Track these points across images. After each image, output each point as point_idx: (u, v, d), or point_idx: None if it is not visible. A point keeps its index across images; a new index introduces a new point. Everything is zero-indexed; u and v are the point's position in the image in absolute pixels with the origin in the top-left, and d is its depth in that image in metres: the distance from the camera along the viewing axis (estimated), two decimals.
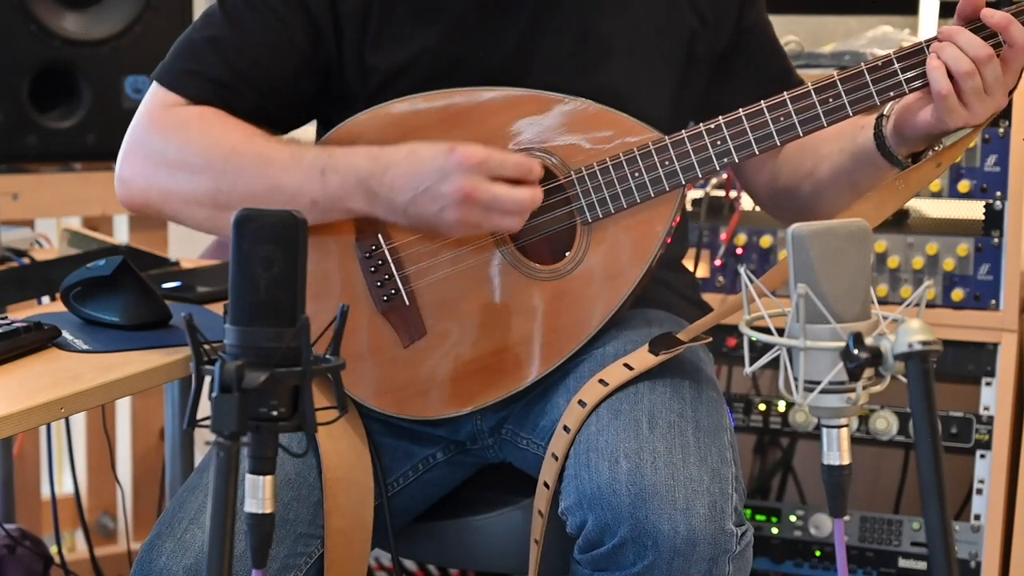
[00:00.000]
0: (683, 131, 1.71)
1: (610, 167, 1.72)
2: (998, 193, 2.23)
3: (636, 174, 1.71)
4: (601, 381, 1.68)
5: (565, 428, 1.67)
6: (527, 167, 1.67)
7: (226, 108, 1.76)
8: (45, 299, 2.06)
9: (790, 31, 2.55)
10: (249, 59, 1.76)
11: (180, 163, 1.74)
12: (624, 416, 1.63)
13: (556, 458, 1.66)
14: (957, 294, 2.25)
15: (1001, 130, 2.21)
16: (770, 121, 1.69)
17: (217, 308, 1.96)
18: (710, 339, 1.74)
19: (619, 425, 1.62)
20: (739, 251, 2.38)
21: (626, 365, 1.69)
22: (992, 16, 1.63)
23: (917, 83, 1.66)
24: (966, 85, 1.61)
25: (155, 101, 1.78)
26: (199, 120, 1.74)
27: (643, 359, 1.69)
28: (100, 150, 2.75)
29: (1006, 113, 2.21)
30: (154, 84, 1.79)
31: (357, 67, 1.78)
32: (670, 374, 1.71)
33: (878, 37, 2.46)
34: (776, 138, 1.69)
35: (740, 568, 1.60)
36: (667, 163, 1.71)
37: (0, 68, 2.64)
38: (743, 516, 1.62)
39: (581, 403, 1.67)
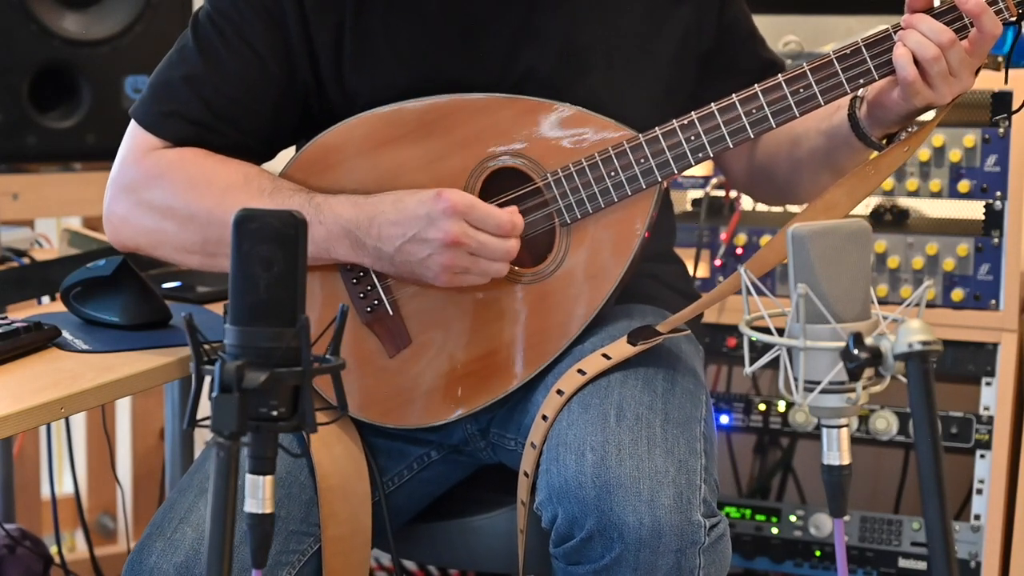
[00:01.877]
0: (657, 128, 1.71)
1: (586, 168, 1.72)
2: (998, 193, 2.23)
3: (612, 173, 1.71)
4: (579, 371, 1.68)
5: (543, 417, 1.67)
6: (511, 224, 1.68)
7: (206, 147, 1.76)
8: (45, 299, 2.06)
9: (790, 31, 2.54)
10: (226, 96, 1.75)
11: (166, 213, 1.74)
12: (593, 410, 1.64)
13: (534, 447, 1.67)
14: (957, 294, 2.25)
15: (1001, 130, 2.21)
16: (743, 114, 1.70)
17: (217, 308, 1.96)
18: (687, 331, 1.74)
19: (588, 419, 1.63)
20: (739, 251, 2.38)
21: (604, 355, 1.69)
22: (966, 3, 1.64)
23: (885, 69, 1.68)
24: (932, 70, 1.64)
25: (136, 144, 1.78)
26: (181, 167, 1.74)
27: (621, 349, 1.70)
28: (100, 150, 2.75)
29: (1006, 113, 2.21)
30: (133, 124, 1.79)
31: (339, 91, 1.77)
32: (644, 366, 1.71)
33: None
34: (750, 131, 1.70)
35: (713, 561, 1.59)
36: (643, 161, 1.71)
37: (0, 68, 2.64)
38: (714, 507, 1.62)
39: (559, 392, 1.68)
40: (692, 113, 1.70)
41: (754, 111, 1.70)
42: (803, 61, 1.72)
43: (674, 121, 1.71)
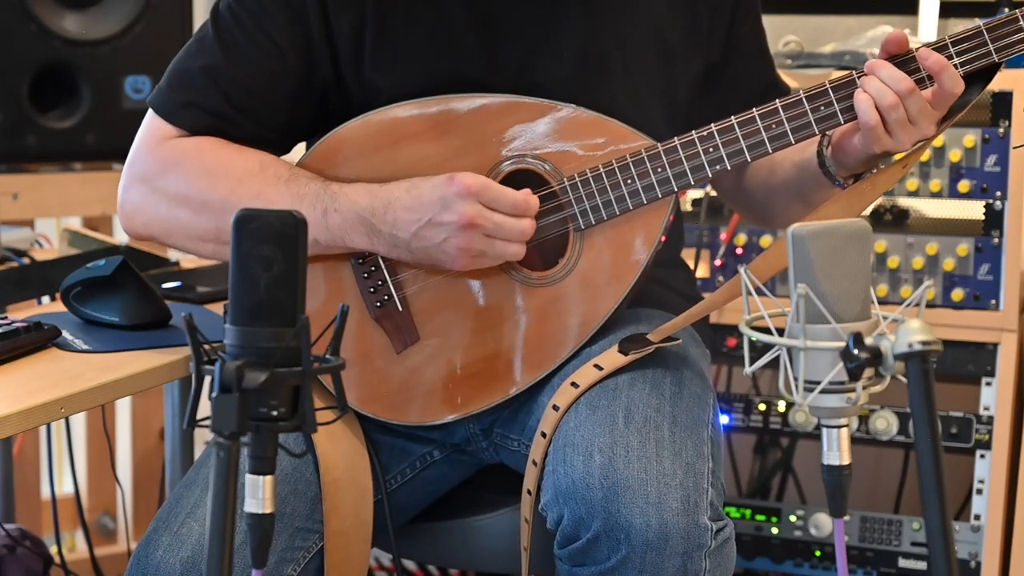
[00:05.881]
0: (675, 138, 1.71)
1: (603, 174, 1.71)
2: (998, 193, 2.23)
3: (629, 181, 1.71)
4: (572, 383, 1.68)
5: (542, 434, 1.67)
6: (525, 203, 1.68)
7: (223, 137, 1.76)
8: (45, 299, 2.06)
9: (790, 31, 2.55)
10: (245, 88, 1.75)
11: (181, 200, 1.74)
12: (601, 412, 1.64)
13: (536, 464, 1.67)
14: (957, 294, 2.25)
15: (1001, 130, 2.21)
16: (762, 129, 1.70)
17: (217, 308, 1.96)
18: (679, 341, 1.74)
19: (595, 420, 1.63)
20: (739, 251, 2.38)
21: (596, 366, 1.69)
22: (928, 58, 1.66)
23: (851, 113, 1.68)
24: (890, 117, 1.65)
25: (153, 132, 1.78)
26: (197, 155, 1.74)
27: (613, 359, 1.70)
28: (100, 150, 2.75)
29: (1006, 114, 2.21)
30: (150, 113, 1.79)
31: (358, 86, 1.77)
32: (652, 368, 1.71)
33: (878, 37, 2.46)
34: (768, 145, 1.70)
35: (719, 564, 1.59)
36: (660, 170, 1.71)
37: (0, 68, 2.64)
38: (721, 511, 1.62)
39: (555, 407, 1.68)
40: (711, 125, 1.70)
41: (774, 126, 1.70)
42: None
43: (693, 132, 1.71)
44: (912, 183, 2.27)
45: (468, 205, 1.65)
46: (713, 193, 2.41)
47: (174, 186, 1.75)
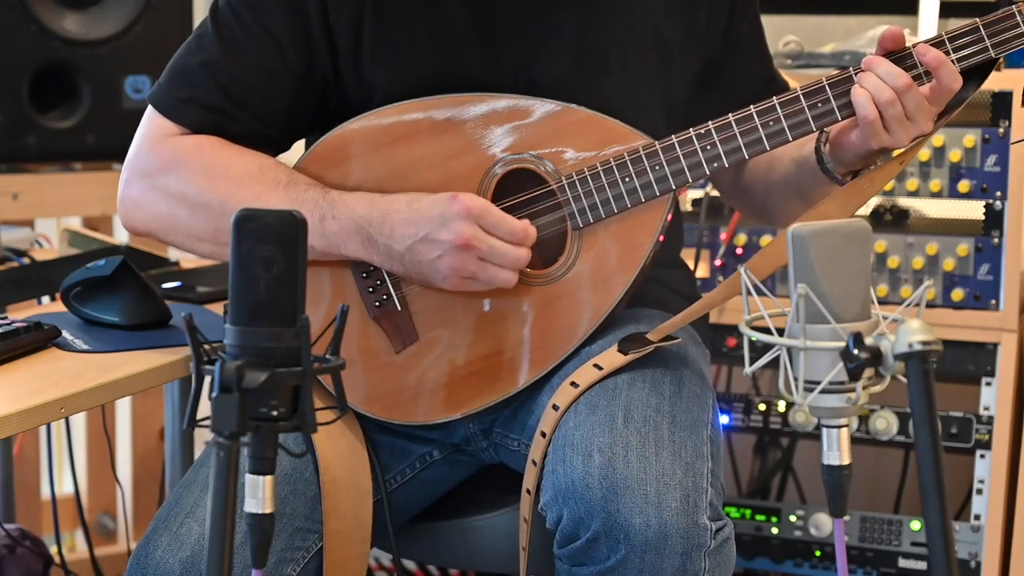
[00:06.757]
0: (673, 136, 1.71)
1: (600, 172, 1.71)
2: (998, 193, 2.23)
3: (627, 179, 1.71)
4: (572, 383, 1.68)
5: (542, 433, 1.67)
6: (523, 232, 1.68)
7: (223, 134, 1.76)
8: (45, 299, 2.06)
9: (790, 31, 2.55)
10: (244, 84, 1.75)
11: (180, 199, 1.75)
12: (601, 411, 1.64)
13: (535, 464, 1.67)
14: (957, 294, 2.25)
15: (1001, 130, 2.21)
16: (760, 126, 1.70)
17: (217, 308, 1.96)
18: (678, 340, 1.74)
19: (595, 420, 1.63)
20: (739, 251, 2.38)
21: (596, 365, 1.69)
22: (926, 54, 1.66)
23: (850, 110, 1.68)
24: (888, 113, 1.65)
25: (153, 129, 1.78)
26: (197, 154, 1.75)
27: (612, 359, 1.70)
28: (100, 150, 2.76)
29: (1006, 114, 2.21)
30: (150, 109, 1.79)
31: (356, 83, 1.77)
32: (652, 368, 1.71)
33: (878, 37, 2.46)
34: (766, 143, 1.70)
35: (718, 564, 1.59)
36: (657, 168, 1.71)
37: (0, 68, 2.64)
38: (720, 511, 1.62)
39: (554, 407, 1.68)
40: (709, 123, 1.71)
41: (771, 123, 1.70)
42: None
43: (691, 130, 1.71)
44: (912, 183, 2.27)
45: (466, 226, 1.65)
46: (713, 193, 2.41)
47: (174, 185, 1.75)
